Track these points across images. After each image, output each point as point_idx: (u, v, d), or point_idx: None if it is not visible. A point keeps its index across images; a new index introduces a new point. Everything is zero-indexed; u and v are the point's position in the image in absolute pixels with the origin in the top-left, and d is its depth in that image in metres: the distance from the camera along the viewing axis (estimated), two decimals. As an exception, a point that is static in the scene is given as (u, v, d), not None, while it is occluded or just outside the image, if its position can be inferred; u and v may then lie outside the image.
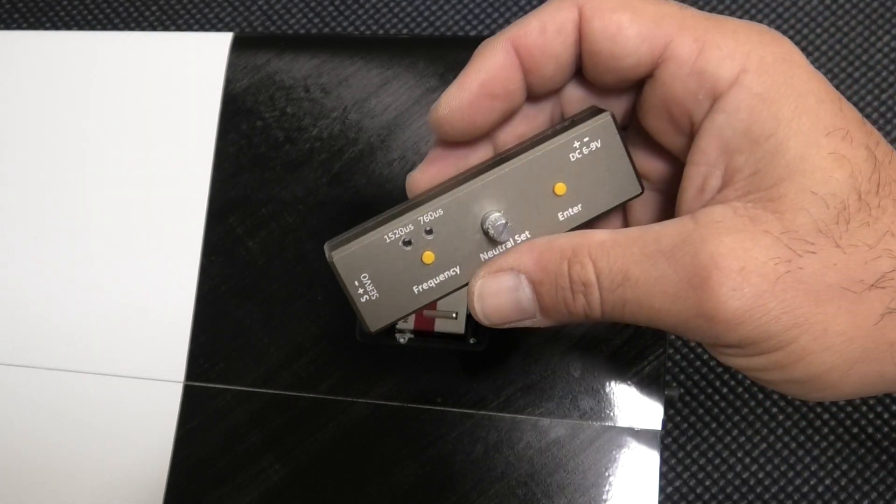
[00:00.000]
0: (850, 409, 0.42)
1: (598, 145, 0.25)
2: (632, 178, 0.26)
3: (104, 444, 0.39)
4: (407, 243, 0.25)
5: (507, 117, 0.26)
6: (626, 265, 0.23)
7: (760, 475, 0.41)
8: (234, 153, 0.41)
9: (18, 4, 0.53)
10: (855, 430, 0.42)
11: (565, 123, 0.26)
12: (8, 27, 0.52)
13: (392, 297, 0.26)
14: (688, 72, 0.23)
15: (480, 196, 0.25)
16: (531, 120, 0.27)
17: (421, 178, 0.27)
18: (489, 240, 0.25)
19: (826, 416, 0.42)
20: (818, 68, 0.46)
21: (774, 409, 0.42)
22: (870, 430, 0.42)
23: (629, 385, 0.36)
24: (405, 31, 0.49)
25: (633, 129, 0.27)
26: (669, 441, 0.42)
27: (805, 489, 0.42)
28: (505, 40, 0.24)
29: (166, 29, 0.51)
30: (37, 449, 0.39)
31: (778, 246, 0.21)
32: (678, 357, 0.43)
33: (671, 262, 0.22)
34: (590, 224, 0.26)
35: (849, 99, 0.45)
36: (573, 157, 0.25)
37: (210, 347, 0.39)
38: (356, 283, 0.26)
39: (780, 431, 0.42)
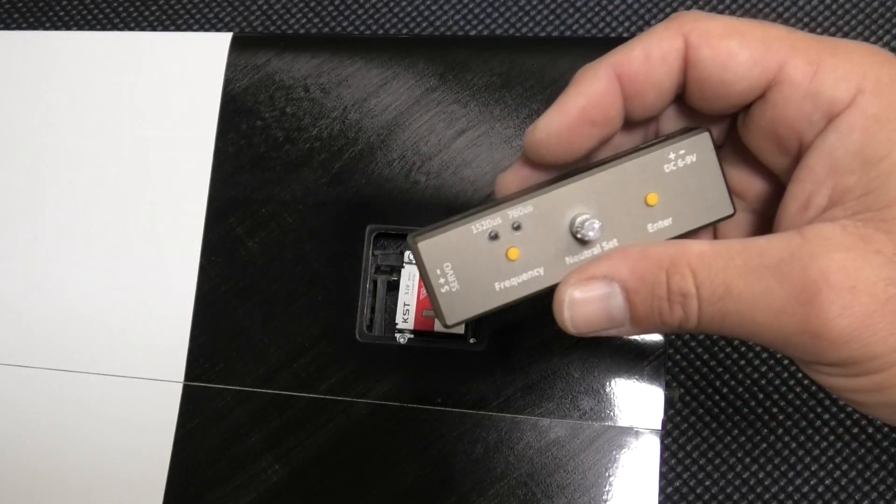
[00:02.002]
0: (849, 409, 0.42)
1: (694, 160, 0.25)
2: (725, 198, 0.26)
3: (104, 444, 0.39)
4: (494, 237, 0.25)
5: (603, 144, 0.26)
6: (729, 277, 0.22)
7: (760, 475, 0.41)
8: (234, 153, 0.41)
9: (18, 4, 0.53)
10: (855, 430, 0.42)
11: (661, 139, 0.26)
12: (8, 27, 0.52)
13: (473, 290, 0.25)
14: (802, 94, 0.23)
15: (573, 197, 0.25)
16: (623, 146, 0.27)
17: (512, 180, 0.27)
18: (577, 242, 0.25)
19: (826, 416, 0.42)
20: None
21: (774, 410, 0.42)
22: (870, 429, 0.42)
23: (629, 385, 0.36)
24: (405, 31, 0.49)
25: (727, 148, 0.27)
26: (669, 441, 0.42)
27: (805, 489, 0.42)
28: (607, 66, 0.24)
29: (166, 29, 0.51)
30: (36, 449, 0.39)
31: (890, 267, 0.21)
32: (678, 357, 0.43)
33: (777, 277, 0.22)
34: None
35: (849, 99, 0.45)
36: (668, 168, 0.25)
37: (210, 347, 0.39)
38: (438, 271, 0.25)
39: (780, 431, 0.42)
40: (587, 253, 0.25)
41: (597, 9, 0.48)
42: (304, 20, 0.50)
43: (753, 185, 0.27)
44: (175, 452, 0.38)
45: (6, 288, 0.41)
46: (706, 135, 0.25)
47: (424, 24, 0.49)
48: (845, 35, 0.46)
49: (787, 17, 0.47)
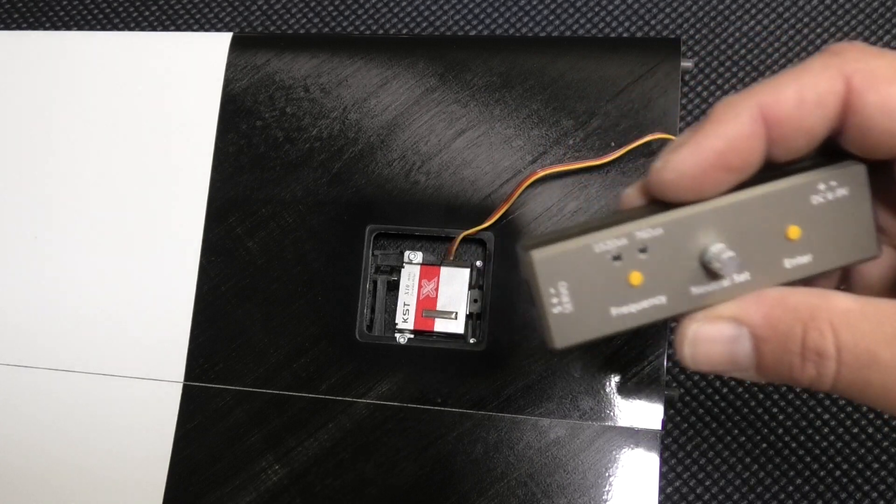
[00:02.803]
0: (850, 409, 0.42)
1: (845, 194, 0.22)
2: (871, 238, 0.23)
3: (104, 444, 0.39)
4: (617, 258, 0.23)
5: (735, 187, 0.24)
6: (876, 345, 0.20)
7: (761, 475, 0.41)
8: (234, 153, 0.41)
9: (18, 4, 0.53)
10: (855, 430, 0.42)
11: (805, 163, 0.23)
12: (8, 27, 0.52)
13: (587, 313, 0.23)
14: None
15: (706, 222, 0.22)
16: None
17: (638, 198, 0.25)
18: (706, 272, 0.23)
19: (826, 416, 0.42)
20: (818, 68, 0.46)
21: (774, 410, 0.42)
22: (870, 430, 0.42)
23: (629, 385, 0.36)
24: (405, 31, 0.49)
25: (875, 186, 0.25)
26: (669, 441, 0.42)
27: (806, 489, 0.42)
28: (753, 106, 0.21)
29: (166, 29, 0.51)
30: (36, 449, 0.39)
31: None
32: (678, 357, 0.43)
33: None
34: (813, 279, 0.24)
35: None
36: (815, 199, 0.22)
37: (210, 347, 0.39)
38: (552, 290, 0.23)
39: (780, 431, 0.42)
40: (715, 285, 0.23)
41: (597, 9, 0.48)
42: (304, 20, 0.50)
43: None
44: (175, 452, 0.38)
45: (6, 288, 0.41)
46: (862, 168, 0.22)
47: (424, 24, 0.49)
48: (845, 35, 0.46)
49: (787, 16, 0.47)
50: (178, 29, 0.51)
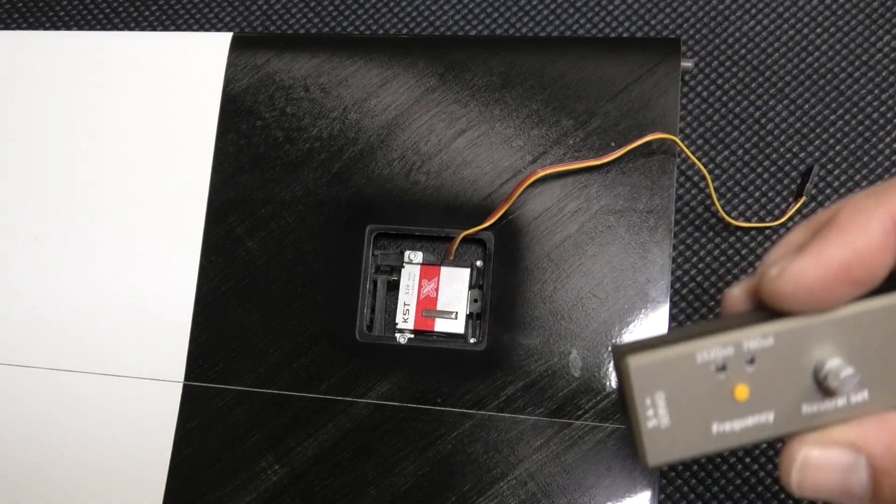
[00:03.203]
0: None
1: None
2: None
3: (104, 444, 0.39)
4: (721, 369, 0.21)
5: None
6: None
7: (761, 475, 0.41)
8: (234, 153, 0.41)
9: (18, 4, 0.53)
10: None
11: None
12: (8, 27, 0.52)
13: (685, 428, 0.21)
14: None
15: (823, 334, 0.20)
16: None
17: (744, 299, 0.22)
18: (821, 390, 0.21)
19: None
20: (818, 68, 0.46)
21: (774, 409, 0.42)
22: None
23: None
24: (405, 31, 0.49)
25: None
26: (669, 441, 0.42)
27: (805, 489, 0.42)
28: (885, 215, 0.19)
29: (166, 29, 0.51)
30: (36, 449, 0.39)
31: None
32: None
33: None
34: None
35: (848, 99, 0.45)
36: None
37: (210, 347, 0.39)
38: (648, 401, 0.21)
39: (780, 431, 0.42)
40: (830, 404, 0.21)
41: (597, 9, 0.48)
42: (304, 20, 0.50)
43: None
44: (175, 452, 0.38)
45: (6, 288, 0.41)
46: None
47: (424, 24, 0.49)
48: (845, 35, 0.46)
49: (787, 16, 0.47)
50: (178, 29, 0.51)
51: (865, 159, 0.44)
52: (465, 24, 0.49)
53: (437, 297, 0.38)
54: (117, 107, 0.42)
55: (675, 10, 0.48)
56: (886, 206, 0.19)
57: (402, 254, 0.39)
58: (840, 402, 0.21)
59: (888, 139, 0.45)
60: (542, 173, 0.38)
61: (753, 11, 0.47)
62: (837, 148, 0.45)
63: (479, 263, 0.39)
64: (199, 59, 0.42)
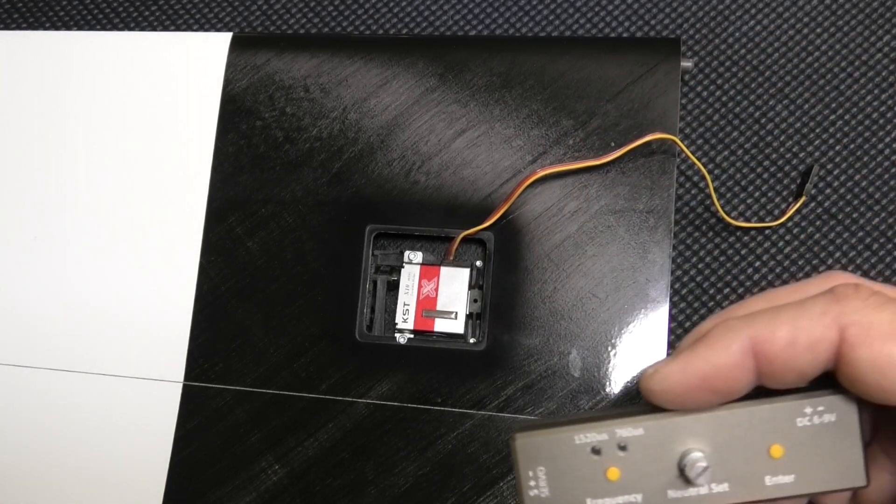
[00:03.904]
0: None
1: (832, 419, 0.23)
2: (859, 467, 0.23)
3: (104, 444, 0.39)
4: (596, 451, 0.24)
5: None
6: None
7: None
8: (234, 153, 0.41)
9: (18, 4, 0.53)
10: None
11: (798, 388, 0.24)
12: (7, 27, 0.52)
13: (562, 501, 0.24)
14: None
15: (689, 430, 0.23)
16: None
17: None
18: (683, 478, 0.23)
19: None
20: (818, 68, 0.46)
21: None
22: (870, 430, 0.42)
23: (629, 385, 0.36)
24: (405, 31, 0.49)
25: (866, 414, 0.24)
26: (669, 441, 0.42)
27: (805, 489, 0.42)
28: (745, 338, 0.22)
29: (166, 29, 0.51)
30: (36, 449, 0.39)
31: None
32: None
33: None
34: (800, 498, 0.24)
35: (848, 99, 0.45)
36: (801, 422, 0.23)
37: (209, 347, 0.39)
38: (530, 473, 0.24)
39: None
40: (693, 491, 0.23)
41: (597, 9, 0.48)
42: (304, 20, 0.50)
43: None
44: (175, 452, 0.38)
45: (6, 288, 0.41)
46: (854, 402, 0.22)
47: (424, 24, 0.49)
48: (845, 35, 0.46)
49: (787, 16, 0.47)
50: (178, 29, 0.51)
51: (865, 159, 0.44)
52: (465, 24, 0.49)
53: (436, 297, 0.38)
54: (117, 107, 0.42)
55: (675, 10, 0.48)
56: (750, 330, 0.21)
57: (401, 254, 0.39)
58: (702, 490, 0.23)
59: (888, 139, 0.45)
60: (542, 173, 0.38)
61: (753, 11, 0.47)
62: (837, 148, 0.45)
63: (478, 263, 0.39)
64: (199, 59, 0.42)
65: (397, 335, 0.38)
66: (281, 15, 0.51)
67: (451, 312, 0.38)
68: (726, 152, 0.45)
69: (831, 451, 0.23)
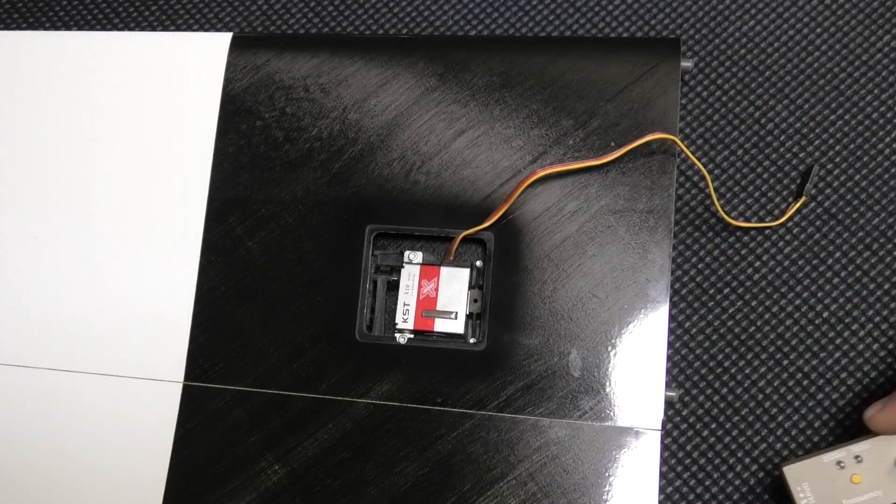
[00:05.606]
0: (849, 409, 0.42)
1: None
2: None
3: (104, 444, 0.39)
4: (841, 465, 0.37)
5: None
6: None
7: (760, 475, 0.41)
8: (234, 153, 0.41)
9: (18, 4, 0.53)
10: (854, 430, 0.42)
11: None
12: (7, 27, 0.52)
13: (826, 502, 0.37)
14: None
15: None
16: None
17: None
18: None
19: (826, 416, 0.42)
20: (818, 68, 0.46)
21: (774, 410, 0.42)
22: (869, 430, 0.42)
23: (629, 385, 0.36)
24: (405, 31, 0.49)
25: None
26: (669, 441, 0.42)
27: (805, 489, 0.42)
28: None
29: (166, 29, 0.51)
30: (36, 449, 0.39)
31: None
32: (678, 357, 0.43)
33: None
34: None
35: (848, 99, 0.45)
36: None
37: (209, 347, 0.39)
38: (798, 489, 0.37)
39: (779, 432, 0.42)
40: None
41: (597, 9, 0.48)
42: (304, 20, 0.50)
43: None
44: (175, 452, 0.38)
45: (6, 288, 0.41)
46: None
47: (424, 24, 0.49)
48: (845, 35, 0.46)
49: (786, 16, 0.47)
50: (178, 29, 0.51)
51: (865, 159, 0.44)
52: (465, 24, 0.49)
53: (436, 297, 0.38)
54: (117, 107, 0.42)
55: (675, 10, 0.48)
56: None
57: (401, 254, 0.39)
58: None
59: (888, 139, 0.45)
60: (542, 173, 0.38)
61: (753, 11, 0.47)
62: (837, 148, 0.45)
63: (478, 263, 0.39)
64: (199, 59, 0.42)
65: (397, 335, 0.38)
66: (281, 15, 0.51)
67: (451, 312, 0.38)
68: (726, 152, 0.45)
69: None
